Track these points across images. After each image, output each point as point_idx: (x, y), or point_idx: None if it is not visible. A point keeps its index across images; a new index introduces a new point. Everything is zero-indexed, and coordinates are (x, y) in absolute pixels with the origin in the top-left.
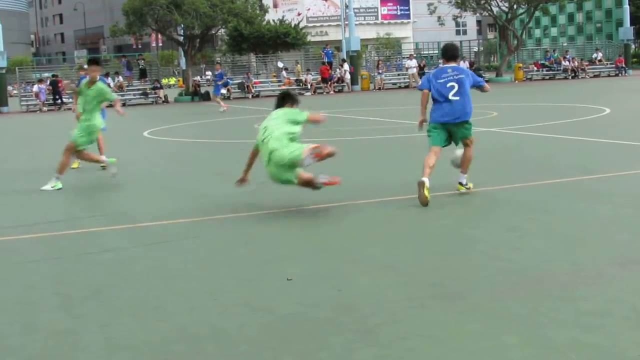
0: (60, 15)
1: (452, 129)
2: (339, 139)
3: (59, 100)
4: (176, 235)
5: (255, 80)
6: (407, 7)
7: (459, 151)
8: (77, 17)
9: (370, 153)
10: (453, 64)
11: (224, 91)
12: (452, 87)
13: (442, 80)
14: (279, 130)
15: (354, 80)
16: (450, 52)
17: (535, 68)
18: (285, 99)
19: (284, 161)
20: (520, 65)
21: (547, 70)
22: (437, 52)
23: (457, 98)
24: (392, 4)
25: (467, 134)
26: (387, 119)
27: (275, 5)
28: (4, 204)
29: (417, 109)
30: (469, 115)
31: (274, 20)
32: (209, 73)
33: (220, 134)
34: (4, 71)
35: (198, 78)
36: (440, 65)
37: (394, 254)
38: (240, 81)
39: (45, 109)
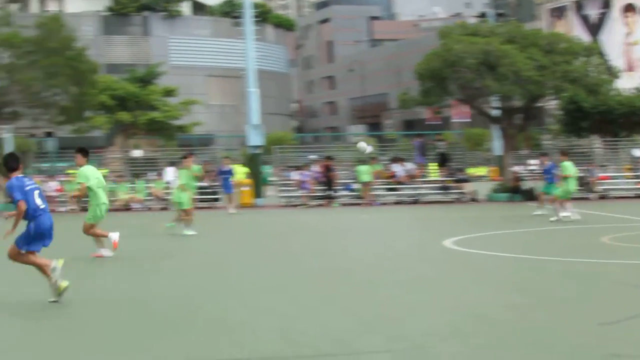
0: (331, 79)
1: None
2: None
3: (331, 191)
4: None
5: (601, 175)
6: None
7: None
8: (353, 81)
9: None
10: None
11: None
12: None
13: None
14: None
15: None
16: None
17: None
18: None
19: None
20: None
21: None
22: None
23: None
24: None
25: None
26: None
27: (630, 69)
28: None
29: None
30: None
31: (628, 90)
32: (534, 162)
33: (547, 249)
34: (260, 151)
35: (519, 168)
36: None
37: None
38: (580, 174)
39: (313, 202)
